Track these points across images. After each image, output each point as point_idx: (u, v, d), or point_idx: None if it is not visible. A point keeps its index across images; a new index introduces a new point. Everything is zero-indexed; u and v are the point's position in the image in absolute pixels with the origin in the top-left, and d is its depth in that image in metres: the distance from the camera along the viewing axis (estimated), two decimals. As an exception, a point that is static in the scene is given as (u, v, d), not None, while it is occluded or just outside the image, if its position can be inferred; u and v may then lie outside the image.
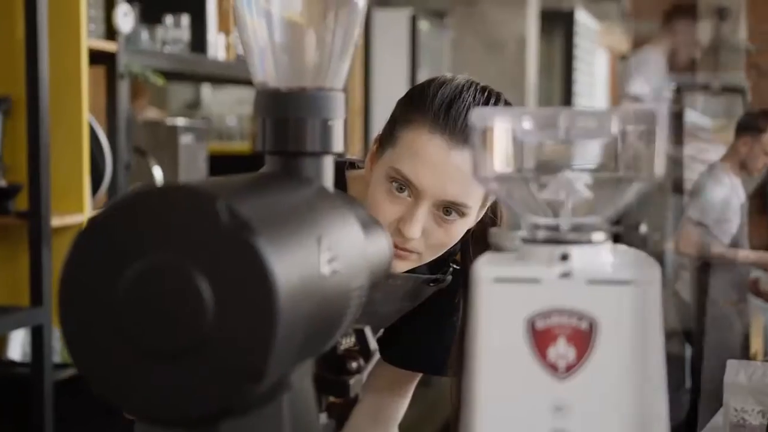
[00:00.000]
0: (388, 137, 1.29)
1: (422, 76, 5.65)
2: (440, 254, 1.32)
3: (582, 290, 0.67)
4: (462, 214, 1.26)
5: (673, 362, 4.04)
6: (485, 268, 0.68)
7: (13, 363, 2.64)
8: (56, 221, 2.41)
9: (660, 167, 0.69)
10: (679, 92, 4.49)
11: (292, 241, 0.65)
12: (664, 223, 4.66)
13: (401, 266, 1.30)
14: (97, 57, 2.62)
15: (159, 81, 2.74)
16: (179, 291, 0.61)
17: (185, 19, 2.99)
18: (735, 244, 4.30)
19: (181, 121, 3.11)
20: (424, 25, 5.32)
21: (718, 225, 4.23)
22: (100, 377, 0.63)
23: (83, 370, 0.63)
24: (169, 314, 0.61)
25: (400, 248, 1.26)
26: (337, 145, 0.80)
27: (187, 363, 0.61)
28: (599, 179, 0.70)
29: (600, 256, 0.69)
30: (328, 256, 0.69)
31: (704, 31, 4.51)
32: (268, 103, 0.79)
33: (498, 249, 0.76)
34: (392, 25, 5.12)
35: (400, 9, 5.33)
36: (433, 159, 1.23)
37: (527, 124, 0.70)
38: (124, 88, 2.66)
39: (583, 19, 7.37)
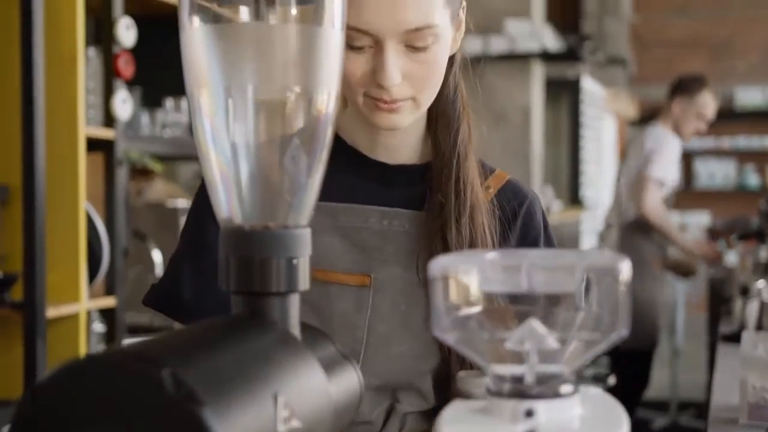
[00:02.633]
0: None
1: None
2: (436, 91, 1.18)
3: (547, 450, 0.64)
4: (434, 37, 1.13)
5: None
6: (447, 426, 0.66)
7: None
8: (52, 312, 2.39)
9: (626, 321, 0.66)
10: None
11: (245, 404, 0.63)
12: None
13: (401, 120, 1.17)
14: (95, 143, 2.63)
15: (157, 167, 2.74)
16: (123, 464, 0.58)
17: (185, 103, 3.00)
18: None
19: (182, 203, 3.11)
20: (427, 99, 5.35)
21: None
22: None
23: None
24: (113, 488, 0.59)
25: (389, 102, 1.14)
26: (303, 282, 0.78)
27: None
28: (565, 330, 0.68)
29: (567, 410, 0.66)
30: (286, 413, 0.67)
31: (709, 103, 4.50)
32: (232, 242, 0.77)
33: (466, 395, 0.74)
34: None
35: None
36: None
37: (490, 274, 0.68)
38: (122, 175, 2.67)
39: (589, 86, 7.40)
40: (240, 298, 0.77)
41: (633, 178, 4.27)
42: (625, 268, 0.66)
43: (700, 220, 9.85)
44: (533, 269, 0.68)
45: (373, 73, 1.13)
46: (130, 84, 2.77)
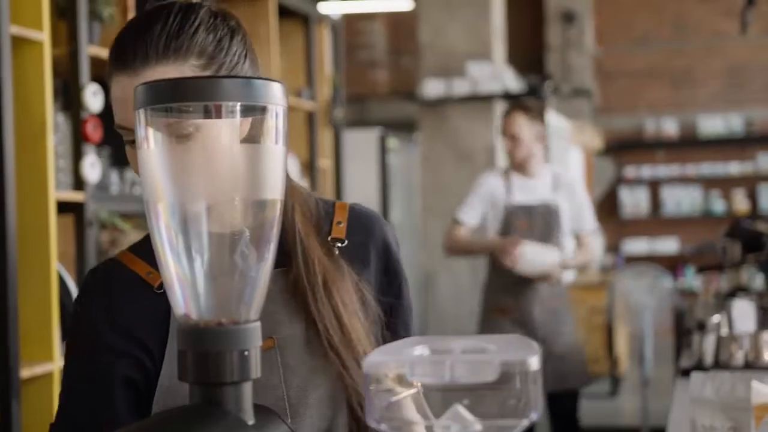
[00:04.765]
0: None
1: (393, 193, 5.79)
2: None
3: None
4: (194, 126, 1.13)
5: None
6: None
7: None
8: (26, 372, 2.45)
9: (537, 406, 0.75)
10: None
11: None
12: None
13: None
14: (66, 206, 2.71)
15: (125, 227, 2.82)
16: None
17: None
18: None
19: (152, 256, 3.17)
20: (393, 142, 5.45)
21: (482, 227, 4.08)
22: None
23: None
24: None
25: None
26: (255, 371, 0.87)
27: None
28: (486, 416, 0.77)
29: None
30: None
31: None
32: (189, 338, 0.86)
33: None
34: (363, 145, 5.26)
35: (371, 129, 5.49)
36: (124, 96, 1.19)
37: (417, 368, 0.77)
38: (92, 236, 2.74)
39: (553, 120, 7.53)
40: (197, 389, 0.86)
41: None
42: (534, 361, 0.75)
43: (668, 246, 10.02)
44: (456, 363, 0.77)
45: None
46: (99, 145, 2.86)
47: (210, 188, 0.87)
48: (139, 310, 1.24)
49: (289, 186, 1.33)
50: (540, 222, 4.02)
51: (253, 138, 0.88)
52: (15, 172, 2.47)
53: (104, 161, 2.91)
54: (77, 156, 2.73)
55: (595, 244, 4.18)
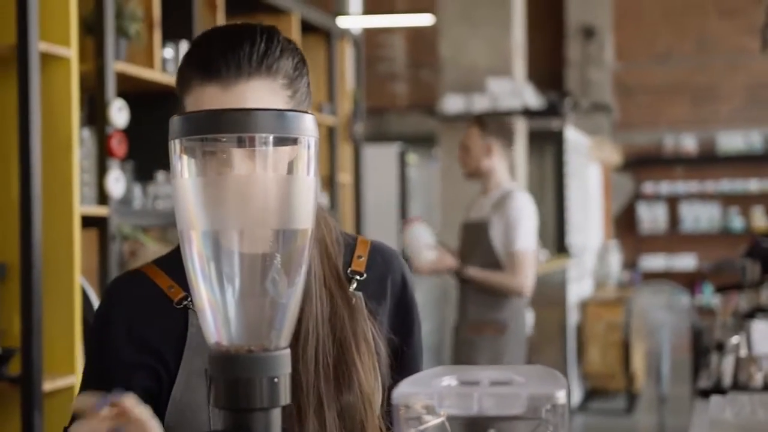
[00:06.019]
0: None
1: (412, 208, 5.81)
2: None
3: None
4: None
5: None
6: None
7: None
8: (48, 385, 2.47)
9: (563, 439, 0.77)
10: None
11: None
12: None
13: None
14: (89, 220, 2.74)
15: (146, 240, 2.85)
16: None
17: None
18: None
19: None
20: (413, 158, 5.47)
21: None
22: None
23: None
24: None
25: None
26: (285, 398, 0.88)
27: None
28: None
29: None
30: None
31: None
32: (220, 364, 0.88)
33: None
34: (382, 159, 5.28)
35: (391, 144, 5.51)
36: (205, 105, 1.19)
37: (446, 400, 0.78)
38: (115, 250, 2.77)
39: (572, 136, 7.54)
40: (227, 414, 0.87)
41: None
42: (562, 395, 0.77)
43: (686, 263, 9.98)
44: (484, 396, 0.78)
45: None
46: (123, 160, 2.89)
47: (242, 217, 0.89)
48: (157, 323, 1.25)
49: (321, 216, 1.33)
50: (471, 238, 4.02)
51: (285, 168, 0.90)
52: (41, 187, 2.50)
53: (128, 176, 2.93)
54: (102, 171, 2.76)
55: (528, 268, 3.97)
